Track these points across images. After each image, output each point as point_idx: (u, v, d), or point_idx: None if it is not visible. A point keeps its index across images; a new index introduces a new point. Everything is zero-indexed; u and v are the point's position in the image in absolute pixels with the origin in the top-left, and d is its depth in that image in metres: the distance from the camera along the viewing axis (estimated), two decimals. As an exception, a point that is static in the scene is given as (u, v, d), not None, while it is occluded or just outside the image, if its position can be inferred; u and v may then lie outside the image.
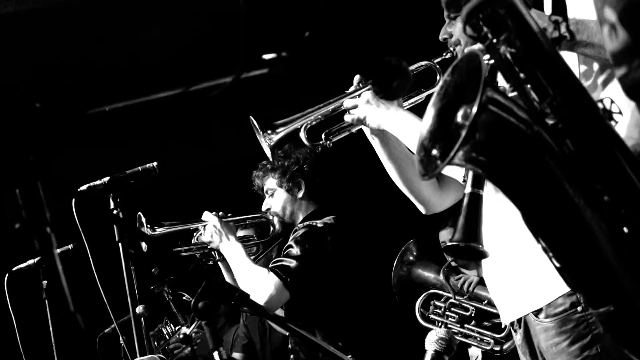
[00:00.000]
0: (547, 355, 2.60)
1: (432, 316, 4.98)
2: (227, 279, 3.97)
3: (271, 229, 4.08)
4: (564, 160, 1.47)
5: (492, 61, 1.50)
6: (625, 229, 1.44)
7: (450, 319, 5.05)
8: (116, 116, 5.67)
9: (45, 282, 3.91)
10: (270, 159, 3.20)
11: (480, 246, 1.69)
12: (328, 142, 2.97)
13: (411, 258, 5.00)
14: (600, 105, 1.52)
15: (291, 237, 3.93)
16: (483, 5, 1.47)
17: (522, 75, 1.51)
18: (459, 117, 1.52)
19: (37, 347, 3.85)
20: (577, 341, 2.52)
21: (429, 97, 2.97)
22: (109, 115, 5.63)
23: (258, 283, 3.61)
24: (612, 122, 1.53)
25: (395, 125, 2.81)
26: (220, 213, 3.98)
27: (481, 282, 5.07)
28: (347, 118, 2.92)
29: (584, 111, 1.50)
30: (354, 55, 4.51)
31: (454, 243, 1.68)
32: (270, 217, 4.06)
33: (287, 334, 4.04)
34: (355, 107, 2.88)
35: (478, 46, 1.56)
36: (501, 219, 2.64)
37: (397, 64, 2.80)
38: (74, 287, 4.31)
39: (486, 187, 2.70)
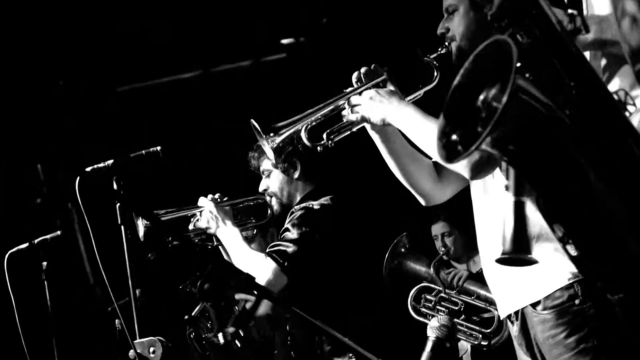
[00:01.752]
0: (544, 347, 2.62)
1: (423, 309, 5.01)
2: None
3: (269, 211, 4.02)
4: (585, 147, 1.50)
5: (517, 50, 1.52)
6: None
7: (440, 312, 5.05)
8: (136, 96, 5.66)
9: (45, 263, 3.91)
10: (274, 162, 3.19)
11: (530, 256, 1.70)
12: (330, 142, 2.95)
13: (403, 250, 5.02)
14: (615, 97, 1.56)
15: (288, 220, 3.88)
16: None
17: (541, 65, 1.54)
18: (480, 103, 1.55)
19: (36, 329, 3.84)
20: (574, 333, 2.54)
21: (427, 93, 3.00)
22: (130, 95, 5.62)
23: (255, 268, 3.58)
24: (627, 113, 1.57)
25: (399, 118, 2.81)
26: (217, 196, 3.96)
27: (471, 277, 5.09)
28: (351, 117, 2.90)
29: (602, 102, 1.53)
30: (366, 44, 4.50)
31: (507, 256, 1.68)
32: (268, 199, 4.01)
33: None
34: (357, 105, 2.87)
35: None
36: (501, 214, 2.68)
37: (421, 56, 2.83)
38: (72, 271, 4.30)
39: (491, 181, 2.76)
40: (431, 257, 5.20)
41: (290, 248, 3.73)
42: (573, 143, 1.52)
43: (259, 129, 3.06)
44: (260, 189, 4.03)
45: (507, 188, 1.80)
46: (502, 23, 1.55)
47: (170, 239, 3.95)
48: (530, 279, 2.60)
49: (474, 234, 2.93)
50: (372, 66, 2.93)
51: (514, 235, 1.64)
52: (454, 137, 1.56)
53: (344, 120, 2.93)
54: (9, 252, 3.95)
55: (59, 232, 3.83)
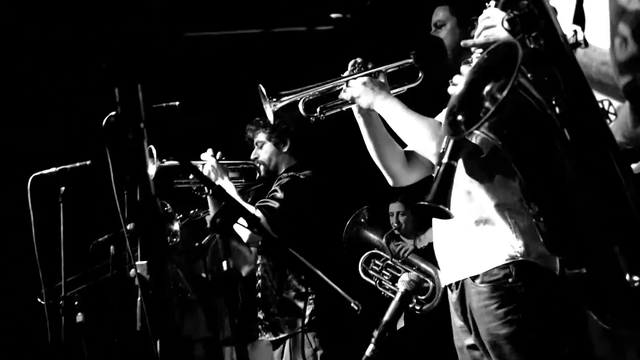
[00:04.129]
0: (476, 314, 2.60)
1: (370, 272, 4.99)
2: (213, 212, 3.96)
3: (257, 174, 4.05)
4: (566, 143, 1.48)
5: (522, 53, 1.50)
6: (609, 211, 1.46)
7: (384, 276, 5.06)
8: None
9: (63, 188, 3.72)
10: (271, 122, 3.17)
11: (447, 208, 1.69)
12: (322, 115, 2.94)
13: (362, 221, 5.00)
14: (600, 105, 1.54)
15: (276, 183, 3.92)
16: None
17: (541, 68, 1.52)
18: (485, 93, 1.53)
19: (50, 251, 3.68)
20: (504, 306, 2.53)
21: (410, 90, 2.98)
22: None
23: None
24: (607, 120, 1.56)
25: (383, 108, 2.79)
26: (218, 155, 3.94)
27: (415, 251, 5.11)
28: (343, 95, 2.88)
29: (587, 108, 1.51)
30: (400, 30, 4.41)
31: (425, 203, 1.67)
32: (257, 165, 4.05)
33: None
34: (351, 87, 2.84)
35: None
36: (456, 199, 2.67)
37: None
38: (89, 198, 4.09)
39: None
40: (385, 230, 5.24)
41: (277, 205, 3.76)
42: (557, 138, 1.50)
43: (264, 93, 3.03)
44: (252, 157, 4.06)
45: (442, 152, 1.78)
46: (516, 27, 1.52)
47: (176, 180, 3.91)
48: (472, 256, 2.60)
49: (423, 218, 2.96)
50: (366, 60, 2.91)
51: (437, 189, 1.65)
52: (459, 117, 1.54)
53: (338, 98, 2.90)
54: (33, 175, 3.72)
55: (87, 162, 3.68)
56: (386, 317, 2.46)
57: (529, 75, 1.53)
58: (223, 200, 2.20)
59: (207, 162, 3.89)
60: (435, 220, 2.80)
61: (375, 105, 2.80)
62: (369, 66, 2.91)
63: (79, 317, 3.53)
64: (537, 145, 1.49)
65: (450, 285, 2.75)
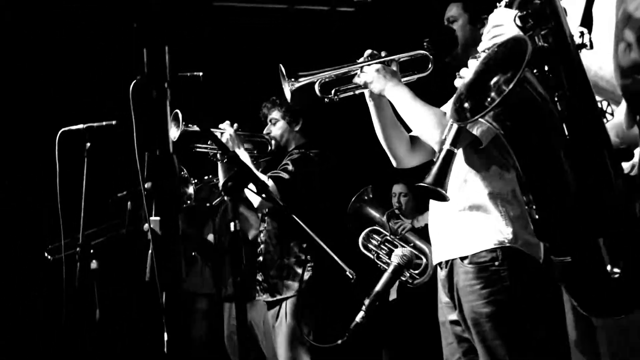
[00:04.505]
0: (462, 292, 2.62)
1: (370, 246, 5.00)
2: (222, 179, 3.99)
3: (269, 148, 4.07)
4: (564, 137, 1.48)
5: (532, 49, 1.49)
6: (598, 205, 1.46)
7: (382, 250, 5.09)
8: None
9: (89, 144, 3.71)
10: (288, 100, 3.18)
11: (444, 191, 1.69)
12: (336, 97, 2.94)
13: (366, 198, 4.99)
14: (599, 105, 1.53)
15: (287, 157, 3.95)
16: None
17: (547, 66, 1.51)
18: (492, 84, 1.52)
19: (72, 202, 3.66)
20: (488, 287, 2.55)
21: (420, 79, 2.97)
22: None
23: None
24: (604, 120, 1.55)
25: (393, 94, 2.79)
26: (235, 125, 3.95)
27: (412, 230, 5.13)
28: (357, 80, 2.88)
29: (587, 106, 1.50)
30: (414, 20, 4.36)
31: (424, 184, 1.67)
32: (270, 139, 4.07)
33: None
34: (366, 73, 2.84)
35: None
36: (453, 184, 2.69)
37: (426, 47, 2.82)
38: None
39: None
40: (386, 209, 5.27)
41: (286, 177, 3.80)
42: (556, 132, 1.50)
43: (284, 73, 3.03)
44: (264, 132, 4.09)
45: (444, 139, 1.78)
46: (527, 25, 1.51)
47: (196, 145, 3.92)
48: (463, 238, 2.62)
49: (423, 201, 2.98)
50: (383, 53, 2.90)
51: (437, 173, 1.65)
52: (466, 104, 1.53)
53: (352, 82, 2.90)
54: (62, 130, 3.69)
55: (113, 122, 3.67)
56: (377, 288, 2.47)
57: (535, 70, 1.52)
58: (237, 167, 2.21)
59: (226, 131, 3.90)
60: (431, 203, 2.81)
61: (386, 91, 2.80)
62: (383, 54, 2.89)
63: (94, 264, 3.55)
64: (537, 138, 1.49)
65: (440, 264, 2.77)
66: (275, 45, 5.14)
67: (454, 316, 2.72)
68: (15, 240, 5.44)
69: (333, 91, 2.95)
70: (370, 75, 2.83)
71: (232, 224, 2.26)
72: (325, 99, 2.95)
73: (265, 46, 5.20)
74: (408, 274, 5.00)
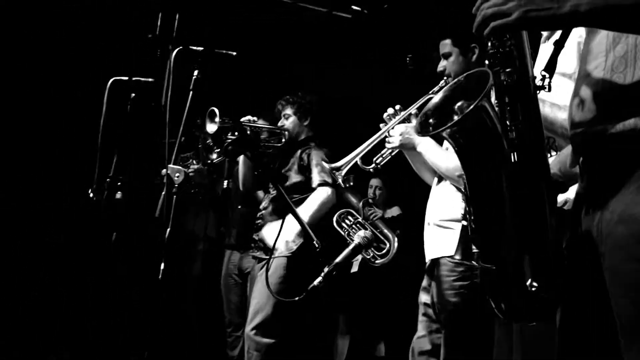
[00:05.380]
0: (438, 281, 2.63)
1: (343, 225, 4.90)
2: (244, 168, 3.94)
3: (283, 139, 4.01)
4: (509, 163, 1.36)
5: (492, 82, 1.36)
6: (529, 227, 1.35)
7: (353, 231, 5.01)
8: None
9: (133, 94, 3.36)
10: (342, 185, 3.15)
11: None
12: (377, 165, 2.94)
13: (347, 185, 4.92)
14: (547, 140, 1.41)
15: (304, 153, 3.90)
16: (503, 36, 1.33)
17: (507, 99, 1.38)
18: (456, 107, 1.40)
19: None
20: (460, 281, 2.57)
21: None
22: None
23: None
24: (549, 155, 1.43)
25: (421, 149, 2.78)
26: (254, 118, 3.90)
27: (381, 218, 5.04)
28: (389, 146, 2.87)
29: (534, 141, 1.37)
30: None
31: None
32: (283, 131, 4.01)
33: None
34: (394, 138, 2.84)
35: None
36: (444, 198, 2.76)
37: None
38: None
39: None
40: (363, 197, 5.21)
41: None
42: (501, 157, 1.38)
43: (334, 173, 3.02)
44: (279, 125, 4.02)
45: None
46: (495, 62, 1.38)
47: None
48: (449, 242, 2.63)
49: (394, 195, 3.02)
50: (397, 107, 2.89)
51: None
52: (430, 120, 1.41)
53: (386, 146, 2.88)
54: (113, 79, 3.38)
55: (150, 79, 3.48)
56: (337, 260, 2.37)
57: (494, 101, 1.40)
58: (239, 134, 2.09)
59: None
60: (428, 213, 2.86)
61: (418, 147, 2.79)
62: (398, 109, 2.86)
63: (118, 195, 3.43)
64: (484, 157, 1.37)
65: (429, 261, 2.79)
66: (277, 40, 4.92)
67: (428, 299, 2.74)
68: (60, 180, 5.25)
69: (374, 161, 2.93)
70: (397, 140, 2.82)
71: (225, 182, 2.14)
72: (370, 169, 2.93)
73: (266, 40, 4.93)
74: (372, 254, 4.93)
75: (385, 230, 4.89)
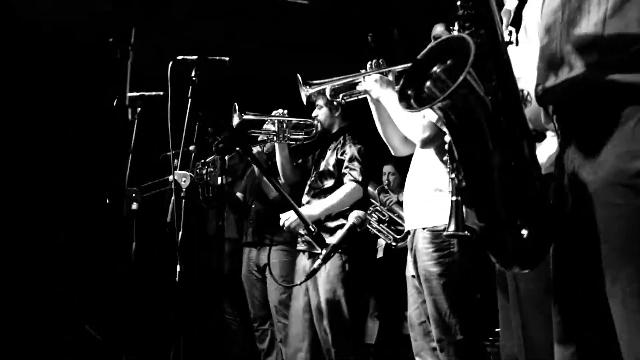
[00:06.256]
0: (418, 253, 2.65)
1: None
2: (278, 156, 3.99)
3: (314, 131, 3.96)
4: (493, 125, 1.39)
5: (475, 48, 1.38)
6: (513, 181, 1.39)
7: (372, 217, 5.11)
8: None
9: (139, 108, 3.36)
10: (304, 103, 3.19)
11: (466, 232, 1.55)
12: (343, 100, 3.04)
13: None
14: (521, 93, 1.45)
15: (339, 148, 3.83)
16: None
17: (480, 59, 1.41)
18: (432, 72, 1.43)
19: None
20: (438, 251, 2.58)
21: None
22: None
23: None
24: (524, 106, 1.47)
25: (387, 100, 2.81)
26: (285, 111, 3.90)
27: (397, 203, 5.09)
28: (360, 87, 2.94)
29: (511, 95, 1.41)
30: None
31: (451, 233, 1.55)
32: (316, 123, 3.94)
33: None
34: (366, 82, 2.89)
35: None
36: (422, 168, 2.76)
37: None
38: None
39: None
40: (378, 184, 5.27)
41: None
42: (486, 120, 1.41)
43: (301, 81, 3.12)
44: (313, 115, 3.98)
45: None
46: (467, 25, 1.41)
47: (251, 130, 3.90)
48: (427, 213, 2.65)
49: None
50: (380, 60, 2.94)
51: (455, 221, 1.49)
52: (409, 92, 1.44)
53: (356, 88, 2.98)
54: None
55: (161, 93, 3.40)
56: (334, 241, 2.41)
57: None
58: (228, 133, 2.14)
59: (276, 117, 3.90)
60: (407, 183, 2.84)
61: (381, 98, 2.83)
62: (382, 65, 2.91)
63: (134, 206, 3.52)
64: (472, 125, 1.40)
65: (409, 231, 2.80)
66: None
67: (413, 272, 2.74)
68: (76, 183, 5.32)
69: (341, 96, 3.04)
70: (369, 84, 2.87)
71: (219, 178, 2.20)
72: (334, 101, 3.10)
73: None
74: (392, 238, 4.98)
75: (402, 213, 4.94)
